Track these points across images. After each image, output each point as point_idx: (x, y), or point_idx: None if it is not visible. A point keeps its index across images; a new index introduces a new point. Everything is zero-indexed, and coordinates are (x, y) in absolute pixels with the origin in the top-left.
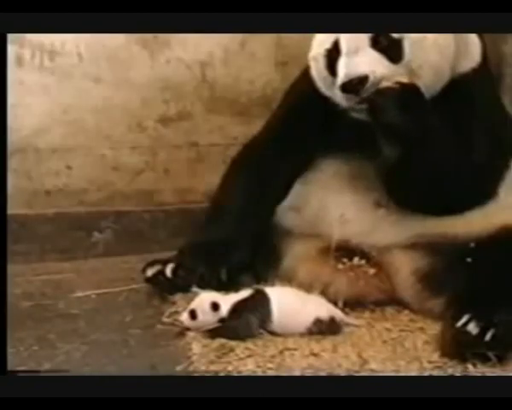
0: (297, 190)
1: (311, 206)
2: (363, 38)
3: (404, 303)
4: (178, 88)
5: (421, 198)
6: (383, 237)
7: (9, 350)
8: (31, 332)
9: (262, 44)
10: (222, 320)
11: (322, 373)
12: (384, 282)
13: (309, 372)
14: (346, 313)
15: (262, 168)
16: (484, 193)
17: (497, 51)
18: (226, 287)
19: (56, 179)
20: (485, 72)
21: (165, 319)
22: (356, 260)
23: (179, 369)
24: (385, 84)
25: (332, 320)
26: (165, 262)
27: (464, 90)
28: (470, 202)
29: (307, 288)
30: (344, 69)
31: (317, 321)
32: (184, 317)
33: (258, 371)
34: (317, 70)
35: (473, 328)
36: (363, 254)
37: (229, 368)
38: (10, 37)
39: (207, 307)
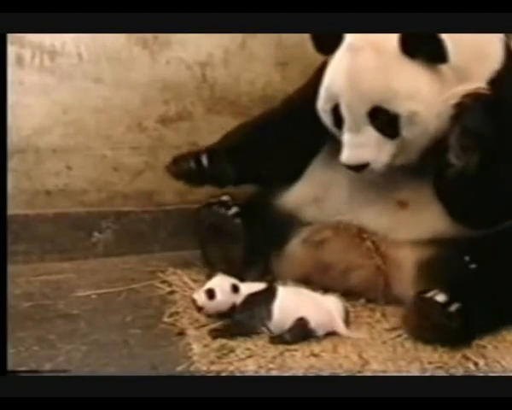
0: (317, 180)
1: (331, 198)
2: (362, 114)
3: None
4: (178, 88)
5: (481, 213)
6: (401, 234)
7: (9, 350)
8: (31, 333)
9: (262, 44)
10: (233, 308)
11: (323, 374)
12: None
13: (310, 373)
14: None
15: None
16: None
17: None
18: None
19: (56, 180)
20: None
21: (165, 320)
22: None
23: (180, 369)
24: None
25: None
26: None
27: None
28: None
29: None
30: (347, 152)
31: (298, 320)
32: (200, 296)
33: (258, 371)
34: (325, 119)
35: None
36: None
37: (230, 369)
38: (10, 37)
39: (228, 287)
